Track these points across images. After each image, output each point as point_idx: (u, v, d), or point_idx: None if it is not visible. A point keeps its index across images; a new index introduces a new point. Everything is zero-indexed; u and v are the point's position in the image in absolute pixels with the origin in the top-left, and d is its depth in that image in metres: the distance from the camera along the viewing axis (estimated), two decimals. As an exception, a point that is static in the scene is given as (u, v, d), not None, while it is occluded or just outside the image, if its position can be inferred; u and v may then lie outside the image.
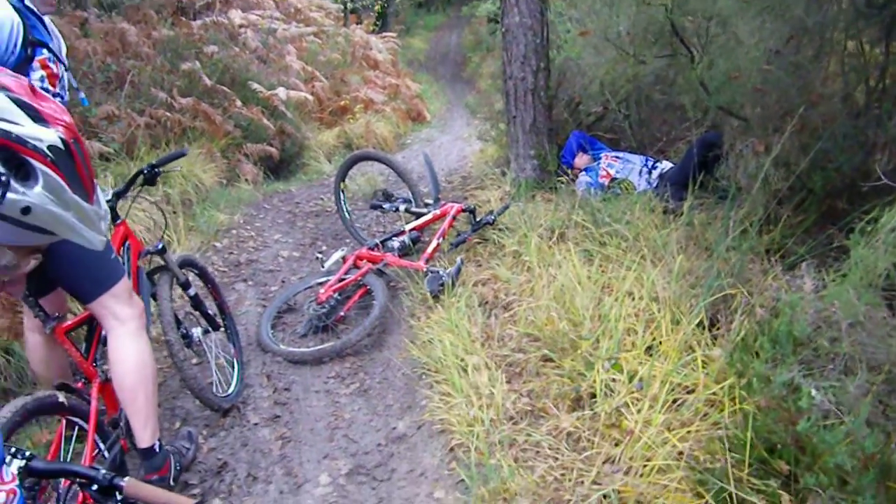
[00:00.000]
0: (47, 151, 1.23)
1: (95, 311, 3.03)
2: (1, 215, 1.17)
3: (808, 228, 4.31)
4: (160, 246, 3.78)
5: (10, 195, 1.16)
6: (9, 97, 1.20)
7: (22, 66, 2.79)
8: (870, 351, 2.64)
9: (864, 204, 3.65)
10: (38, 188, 1.22)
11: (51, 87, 2.91)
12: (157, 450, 3.12)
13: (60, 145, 1.26)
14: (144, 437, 3.07)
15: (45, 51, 2.91)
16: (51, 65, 2.92)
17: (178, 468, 3.28)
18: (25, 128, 1.19)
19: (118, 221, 3.56)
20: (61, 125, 1.28)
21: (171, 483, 3.20)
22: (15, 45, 2.77)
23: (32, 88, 1.27)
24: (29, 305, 2.93)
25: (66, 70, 3.08)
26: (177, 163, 4.02)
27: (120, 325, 3.01)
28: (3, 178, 1.15)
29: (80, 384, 3.07)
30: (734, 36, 4.40)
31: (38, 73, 2.86)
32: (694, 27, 5.13)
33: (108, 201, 3.45)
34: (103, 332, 3.19)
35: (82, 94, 3.28)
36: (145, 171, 3.69)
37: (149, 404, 3.06)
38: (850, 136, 4.23)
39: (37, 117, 1.23)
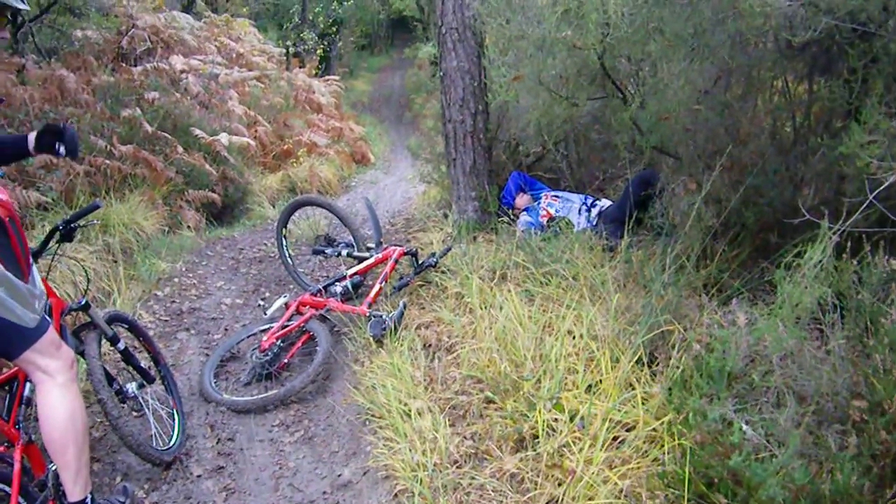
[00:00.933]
0: None
1: (22, 367, 2.96)
2: None
3: (742, 262, 4.42)
4: (83, 302, 3.72)
5: None
6: None
7: None
8: (799, 383, 2.71)
9: (795, 237, 3.75)
10: None
11: None
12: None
13: None
14: (75, 491, 2.98)
15: None
16: None
17: None
18: None
19: None
20: None
21: None
22: None
23: None
24: None
25: None
26: (94, 216, 3.96)
27: (48, 379, 2.94)
28: None
29: (2, 448, 2.98)
30: (664, 77, 4.52)
31: None
32: (626, 69, 5.25)
33: None
34: (24, 393, 3.13)
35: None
36: (61, 228, 3.62)
37: (79, 458, 2.98)
38: (779, 171, 4.37)
39: None
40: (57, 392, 2.94)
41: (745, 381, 2.88)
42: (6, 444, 3.01)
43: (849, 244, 3.17)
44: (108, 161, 7.84)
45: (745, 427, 2.49)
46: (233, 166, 10.24)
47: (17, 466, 2.86)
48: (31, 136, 3.19)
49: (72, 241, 3.76)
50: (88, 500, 3.03)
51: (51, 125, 3.16)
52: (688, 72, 4.39)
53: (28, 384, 3.14)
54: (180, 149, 9.28)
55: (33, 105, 7.70)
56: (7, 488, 2.80)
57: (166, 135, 9.18)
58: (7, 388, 3.14)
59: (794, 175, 4.39)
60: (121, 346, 3.97)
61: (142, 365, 4.16)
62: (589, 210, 6.02)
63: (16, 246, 1.27)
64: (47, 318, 3.05)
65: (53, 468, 3.05)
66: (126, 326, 4.24)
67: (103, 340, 3.88)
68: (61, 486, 3.03)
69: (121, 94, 9.27)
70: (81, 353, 3.69)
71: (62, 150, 3.17)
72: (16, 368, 3.11)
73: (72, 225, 3.68)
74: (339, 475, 3.79)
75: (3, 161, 3.37)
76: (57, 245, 3.69)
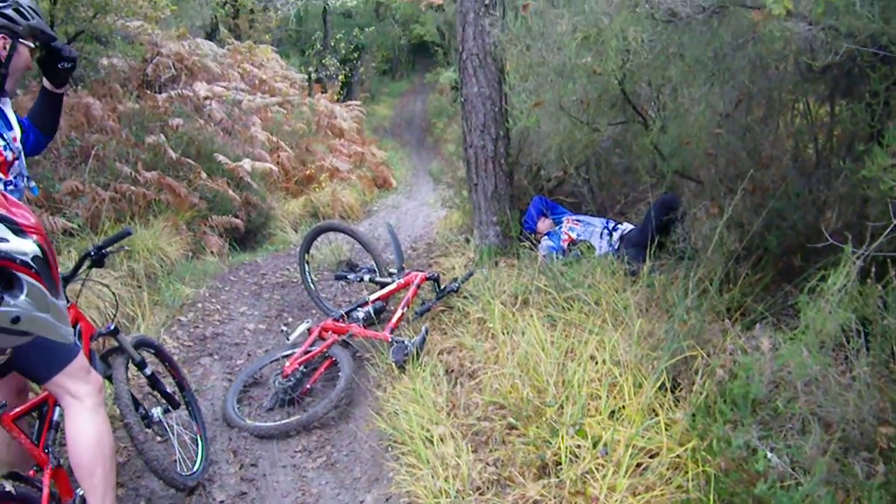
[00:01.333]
0: (31, 263, 1.28)
1: (52, 391, 3.00)
2: None
3: (766, 286, 4.40)
4: (112, 327, 3.76)
5: (2, 308, 1.21)
6: None
7: None
8: (825, 410, 2.68)
9: (819, 261, 3.73)
10: (23, 297, 1.27)
11: (2, 176, 2.92)
12: None
13: (40, 254, 1.31)
14: None
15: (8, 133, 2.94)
16: (5, 153, 2.93)
17: None
18: (11, 243, 1.24)
19: (68, 305, 3.53)
20: (35, 232, 1.33)
21: None
22: None
23: (4, 195, 1.31)
24: None
25: (17, 157, 3.07)
26: (124, 242, 4.02)
27: (77, 403, 2.99)
28: None
29: (31, 472, 3.02)
30: (684, 102, 4.53)
31: None
32: (646, 93, 5.26)
33: None
34: (54, 418, 3.16)
35: (33, 184, 3.27)
36: (92, 254, 3.68)
37: (107, 481, 3.02)
38: (801, 194, 4.35)
39: (17, 230, 1.28)
40: (85, 416, 2.99)
41: (769, 407, 2.86)
42: (35, 468, 3.04)
43: (873, 268, 3.14)
44: (133, 187, 7.95)
45: (770, 454, 2.47)
46: (256, 192, 10.33)
47: (46, 491, 2.88)
48: (44, 82, 3.29)
49: (102, 266, 3.81)
50: None
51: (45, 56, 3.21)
52: (708, 96, 4.40)
53: (57, 409, 3.16)
54: (204, 175, 9.39)
55: (60, 132, 7.82)
56: None
57: (190, 161, 9.29)
58: (36, 413, 3.16)
59: (817, 198, 4.37)
60: (148, 371, 4.00)
61: (167, 390, 4.19)
62: (610, 234, 6.01)
63: (53, 270, 1.32)
64: (77, 342, 3.10)
65: (80, 493, 3.07)
66: (152, 351, 4.28)
67: (130, 365, 3.91)
68: None
69: (146, 121, 9.40)
70: (109, 378, 3.72)
71: (66, 64, 3.23)
72: (45, 393, 3.14)
73: (103, 251, 3.74)
74: (362, 501, 3.79)
75: (53, 123, 3.42)
76: (87, 270, 3.74)
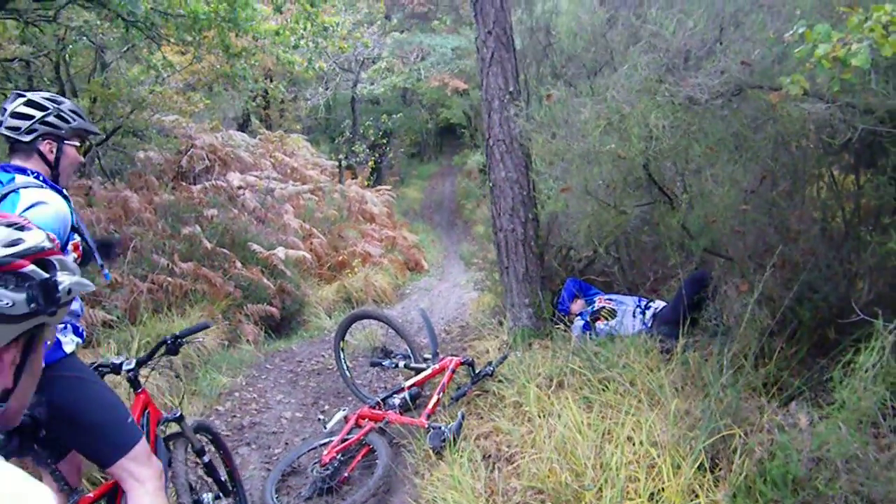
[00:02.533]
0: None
1: (115, 474, 3.11)
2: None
3: (801, 360, 4.38)
4: (178, 414, 3.86)
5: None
6: None
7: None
8: (867, 488, 2.66)
9: (853, 332, 3.72)
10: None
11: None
12: None
13: None
14: None
15: (76, 235, 3.07)
16: (80, 245, 3.08)
17: None
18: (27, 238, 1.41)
19: (139, 390, 3.63)
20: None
21: None
22: (65, 236, 2.95)
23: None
24: (54, 478, 2.99)
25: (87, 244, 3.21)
26: (201, 333, 4.13)
27: (139, 486, 3.09)
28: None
29: None
30: (708, 181, 4.59)
31: (71, 256, 3.01)
32: (671, 173, 5.35)
33: (130, 369, 3.54)
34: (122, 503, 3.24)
35: (106, 270, 3.40)
36: (168, 342, 3.78)
37: None
38: (831, 266, 4.36)
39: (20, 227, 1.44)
40: (148, 500, 3.09)
41: (810, 486, 2.85)
42: None
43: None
44: (169, 278, 8.13)
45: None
46: (289, 279, 10.49)
47: None
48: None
49: (176, 354, 3.90)
50: None
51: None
52: (732, 174, 4.47)
53: (124, 497, 3.24)
54: (238, 264, 9.58)
55: (100, 226, 8.05)
56: None
57: (225, 250, 9.50)
58: (105, 499, 3.26)
59: (848, 270, 4.38)
60: (206, 458, 4.06)
61: (221, 478, 4.23)
62: (644, 312, 6.01)
63: None
64: (140, 428, 3.22)
65: None
66: (210, 437, 4.34)
67: (189, 450, 3.98)
68: None
69: (181, 212, 9.66)
70: (168, 462, 3.78)
71: (117, 250, 3.37)
72: (113, 481, 3.24)
73: (180, 340, 3.84)
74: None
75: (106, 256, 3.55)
76: (160, 357, 3.83)
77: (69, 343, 2.95)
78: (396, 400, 5.49)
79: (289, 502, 4.90)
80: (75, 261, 3.03)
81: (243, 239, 10.25)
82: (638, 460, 3.72)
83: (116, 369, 3.49)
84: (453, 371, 5.53)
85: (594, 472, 3.73)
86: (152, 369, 3.92)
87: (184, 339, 3.87)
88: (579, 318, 6.34)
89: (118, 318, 7.00)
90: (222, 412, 6.47)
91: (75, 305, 3.03)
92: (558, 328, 6.03)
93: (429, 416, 5.14)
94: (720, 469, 3.55)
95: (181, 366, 6.88)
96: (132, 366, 3.55)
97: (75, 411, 2.92)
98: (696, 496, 3.32)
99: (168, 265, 8.32)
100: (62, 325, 2.94)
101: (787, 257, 4.42)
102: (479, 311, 8.78)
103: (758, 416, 3.77)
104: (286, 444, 5.85)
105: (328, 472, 4.90)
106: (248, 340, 8.66)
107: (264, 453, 5.70)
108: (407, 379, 5.69)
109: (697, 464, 3.52)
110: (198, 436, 4.08)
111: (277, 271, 10.28)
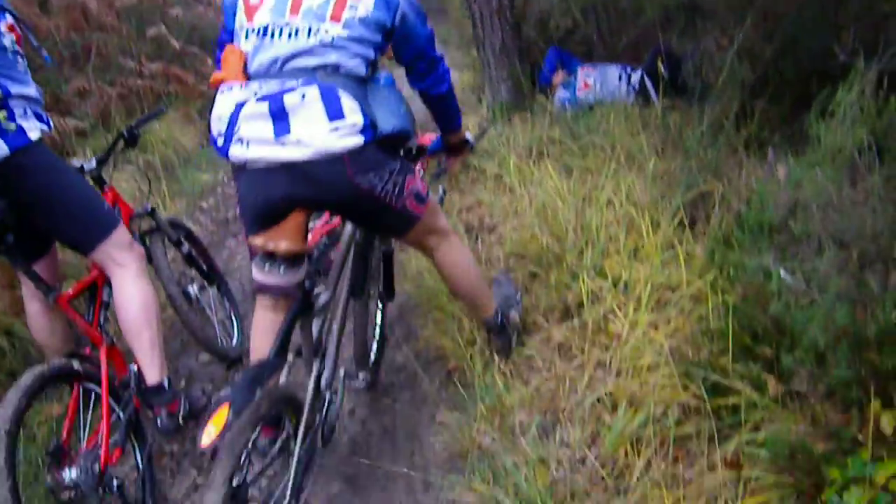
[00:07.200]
0: None
1: (97, 260, 3.14)
2: None
3: (784, 117, 4.31)
4: (150, 208, 3.83)
5: None
6: None
7: None
8: (840, 228, 2.67)
9: (836, 84, 3.64)
10: None
11: (19, 49, 2.91)
12: (167, 387, 3.23)
13: None
14: (153, 374, 3.19)
15: (8, 15, 2.90)
16: (16, 28, 2.91)
17: (187, 409, 3.35)
18: None
19: (106, 187, 3.56)
20: None
21: (180, 422, 3.28)
22: None
23: None
24: (29, 277, 3.00)
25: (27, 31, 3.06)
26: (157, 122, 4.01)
27: (122, 270, 3.13)
28: None
29: (87, 350, 3.16)
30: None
31: (7, 38, 2.85)
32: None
33: (91, 169, 3.46)
34: (104, 298, 3.30)
35: (44, 51, 3.25)
36: (125, 134, 3.68)
37: (154, 342, 3.18)
38: (815, 18, 4.20)
39: None
40: (131, 282, 3.14)
41: (786, 231, 2.86)
42: (91, 346, 3.17)
43: (885, 83, 3.06)
44: (139, 81, 7.85)
45: (783, 273, 2.48)
46: (263, 72, 10.17)
47: (104, 367, 3.04)
48: None
49: (136, 146, 3.81)
50: (165, 383, 3.23)
51: None
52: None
53: (106, 289, 3.30)
54: (210, 62, 9.23)
55: (59, 34, 7.67)
56: (97, 388, 3.00)
57: (195, 49, 9.14)
58: (87, 293, 3.29)
59: (832, 19, 4.22)
60: (184, 248, 4.10)
61: (203, 267, 4.29)
62: (629, 77, 5.87)
63: None
64: (117, 216, 3.23)
65: (134, 369, 3.23)
66: (183, 233, 4.33)
67: (167, 243, 4.00)
68: (142, 384, 3.22)
69: (144, 14, 9.19)
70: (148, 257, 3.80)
71: None
72: (94, 273, 3.28)
73: (135, 131, 3.74)
74: (395, 359, 3.90)
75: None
76: (122, 152, 3.76)
77: (33, 129, 2.83)
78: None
79: (279, 286, 4.98)
80: (13, 43, 2.87)
81: (212, 37, 9.84)
82: (618, 221, 3.74)
83: (79, 171, 3.40)
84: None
85: (575, 235, 3.77)
86: (114, 166, 3.80)
87: (139, 129, 3.76)
88: (561, 88, 6.22)
89: (91, 125, 6.81)
90: (206, 208, 6.47)
91: (30, 90, 2.91)
92: (539, 102, 5.92)
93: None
94: (699, 225, 3.57)
95: (161, 167, 6.81)
96: (93, 165, 3.46)
97: (49, 199, 2.88)
98: (675, 250, 3.35)
99: (136, 68, 8.01)
100: (20, 111, 2.82)
101: (768, 9, 4.25)
102: (458, 91, 8.60)
103: (737, 172, 3.76)
104: (272, 232, 5.86)
105: (316, 254, 4.93)
106: (226, 137, 8.50)
107: (251, 243, 5.73)
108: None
109: (677, 220, 3.53)
110: (177, 232, 4.07)
111: (251, 66, 9.96)
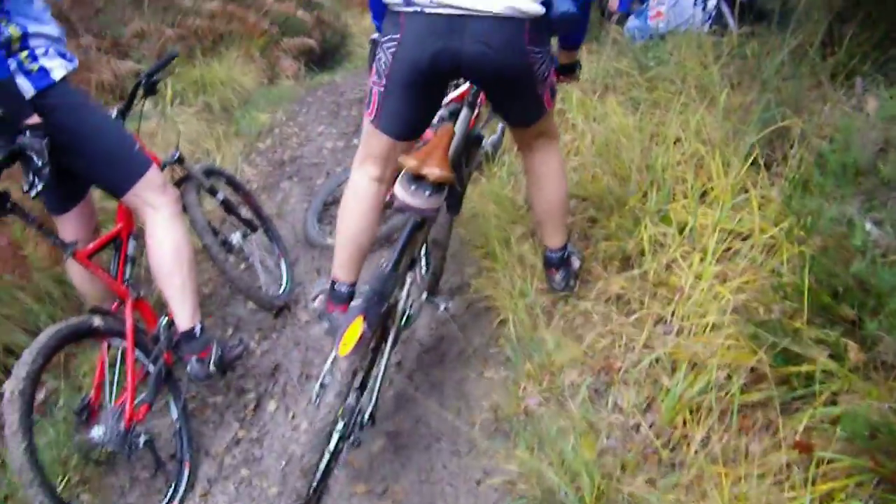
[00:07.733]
0: None
1: (130, 203, 3.05)
2: None
3: (877, 44, 3.87)
4: (177, 155, 3.69)
5: None
6: None
7: None
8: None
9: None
10: None
11: None
12: (198, 333, 3.10)
13: None
14: (184, 319, 3.06)
15: None
16: None
17: (219, 355, 3.18)
18: None
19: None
20: None
21: (211, 369, 3.13)
22: None
23: None
24: (43, 234, 2.87)
25: None
26: (173, 65, 3.83)
27: (155, 213, 3.03)
28: None
29: (114, 305, 3.06)
30: None
31: None
32: None
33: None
34: (129, 252, 3.17)
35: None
36: (143, 82, 3.49)
37: (186, 286, 3.06)
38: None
39: None
40: (163, 224, 3.04)
41: (873, 174, 2.53)
42: (118, 301, 3.08)
43: None
44: (198, 21, 7.72)
45: (869, 226, 2.17)
46: (328, 10, 9.97)
47: (129, 322, 2.96)
48: None
49: (155, 94, 3.65)
50: (197, 329, 3.09)
51: None
52: None
53: (131, 242, 3.19)
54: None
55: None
56: (123, 343, 2.92)
57: (255, -13, 8.98)
58: (112, 246, 3.17)
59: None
60: (220, 196, 3.95)
61: (243, 215, 4.13)
62: (704, 3, 5.45)
63: None
64: (149, 158, 3.10)
65: (164, 321, 3.13)
66: (223, 179, 4.19)
67: (202, 192, 3.87)
68: (173, 337, 3.11)
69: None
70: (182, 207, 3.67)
71: None
72: (118, 227, 3.16)
73: (153, 78, 3.57)
74: (444, 308, 3.69)
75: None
76: (143, 101, 3.60)
77: (58, 68, 2.72)
78: (434, 119, 5.21)
79: (332, 231, 4.81)
80: None
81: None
82: (685, 160, 3.44)
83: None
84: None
85: (639, 176, 3.47)
86: (140, 115, 3.62)
87: (156, 76, 3.55)
88: (632, 17, 5.83)
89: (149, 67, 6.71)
90: (262, 149, 6.34)
91: (50, 28, 2.77)
92: (610, 30, 5.55)
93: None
94: (777, 165, 3.23)
95: (219, 108, 6.70)
96: (114, 115, 3.29)
97: (80, 138, 2.78)
98: (747, 194, 3.03)
99: (194, 6, 7.87)
100: (42, 50, 2.69)
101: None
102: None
103: (819, 106, 3.39)
104: (327, 173, 5.70)
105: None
106: (287, 76, 8.39)
107: (306, 185, 5.58)
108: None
109: (750, 160, 3.19)
110: (210, 179, 3.92)
111: (314, 3, 9.76)
